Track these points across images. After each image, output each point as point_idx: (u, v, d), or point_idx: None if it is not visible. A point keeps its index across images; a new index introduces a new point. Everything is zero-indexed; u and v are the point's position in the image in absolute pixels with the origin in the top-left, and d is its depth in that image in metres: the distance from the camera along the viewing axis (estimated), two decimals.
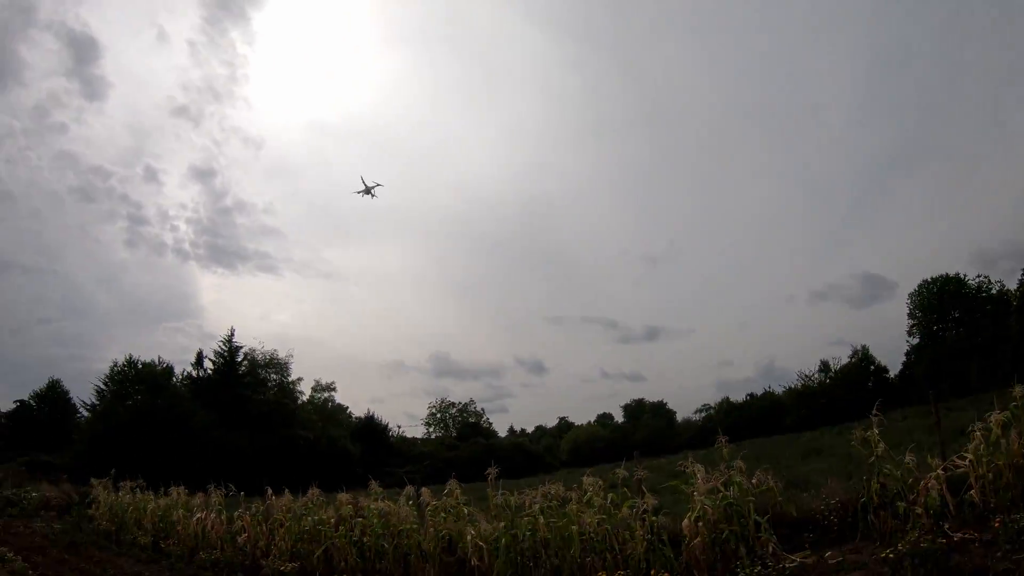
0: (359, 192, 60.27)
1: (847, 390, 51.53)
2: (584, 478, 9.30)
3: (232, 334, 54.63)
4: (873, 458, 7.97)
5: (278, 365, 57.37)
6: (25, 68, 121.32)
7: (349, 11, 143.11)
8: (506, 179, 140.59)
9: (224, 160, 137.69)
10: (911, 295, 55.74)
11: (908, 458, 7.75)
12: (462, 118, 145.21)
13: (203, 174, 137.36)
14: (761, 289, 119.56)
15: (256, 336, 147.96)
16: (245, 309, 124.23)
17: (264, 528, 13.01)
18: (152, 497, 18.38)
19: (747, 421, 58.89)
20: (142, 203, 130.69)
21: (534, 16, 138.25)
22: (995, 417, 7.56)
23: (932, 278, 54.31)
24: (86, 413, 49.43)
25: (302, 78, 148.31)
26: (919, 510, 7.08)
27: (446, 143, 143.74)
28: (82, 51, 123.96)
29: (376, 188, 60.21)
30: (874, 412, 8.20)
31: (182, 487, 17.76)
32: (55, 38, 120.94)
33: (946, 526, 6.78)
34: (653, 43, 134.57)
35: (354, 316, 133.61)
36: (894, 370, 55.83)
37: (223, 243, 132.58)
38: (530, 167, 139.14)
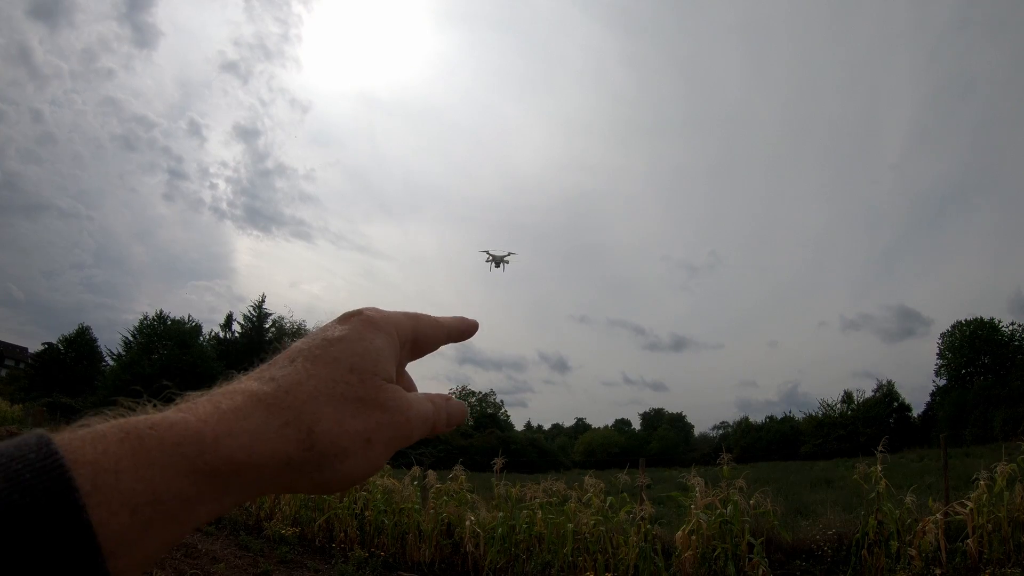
0: (487, 262, 48.27)
1: (867, 424, 50.81)
2: (585, 478, 9.38)
3: (263, 300, 55.84)
4: (873, 494, 7.99)
5: (305, 335, 58.81)
6: (77, 9, 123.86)
7: None
8: (552, 171, 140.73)
9: (269, 121, 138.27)
10: (943, 335, 54.82)
11: (909, 499, 7.77)
12: (512, 105, 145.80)
13: (247, 133, 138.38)
14: (795, 311, 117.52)
15: (286, 304, 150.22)
16: (276, 275, 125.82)
17: None
18: None
19: (764, 444, 58.45)
20: (183, 157, 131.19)
21: (593, 7, 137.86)
22: (1001, 468, 7.53)
23: (966, 320, 53.29)
24: (111, 362, 50.96)
25: (356, 46, 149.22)
26: (912, 552, 7.09)
27: (494, 129, 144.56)
28: None
29: (509, 256, 47.74)
30: (880, 448, 8.21)
31: None
32: None
33: (937, 571, 6.81)
34: (717, 48, 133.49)
35: (384, 293, 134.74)
36: (918, 410, 54.98)
37: (260, 205, 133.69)
38: (577, 161, 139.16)
